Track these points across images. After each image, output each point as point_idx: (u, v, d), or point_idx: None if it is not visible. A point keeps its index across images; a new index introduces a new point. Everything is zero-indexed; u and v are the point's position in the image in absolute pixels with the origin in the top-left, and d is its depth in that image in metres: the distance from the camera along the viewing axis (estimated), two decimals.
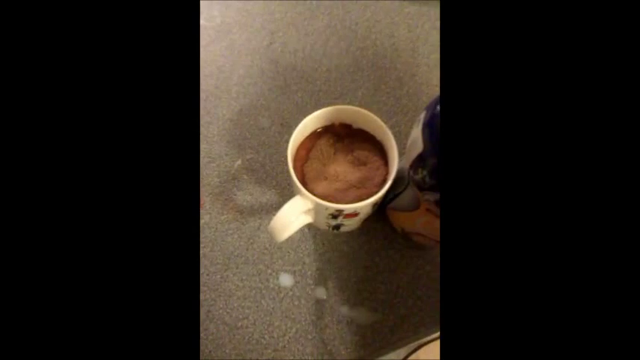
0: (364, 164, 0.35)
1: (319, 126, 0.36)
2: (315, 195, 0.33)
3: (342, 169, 0.34)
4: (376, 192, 0.33)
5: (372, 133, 0.35)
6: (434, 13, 0.50)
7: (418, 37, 0.48)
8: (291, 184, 0.41)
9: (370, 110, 0.34)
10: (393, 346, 0.36)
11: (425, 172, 0.26)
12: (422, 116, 0.26)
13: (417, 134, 0.26)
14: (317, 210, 0.33)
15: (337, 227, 0.37)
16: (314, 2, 0.50)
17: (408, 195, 0.31)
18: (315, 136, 0.36)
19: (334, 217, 0.34)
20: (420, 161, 0.26)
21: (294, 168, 0.33)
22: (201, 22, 0.49)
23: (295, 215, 0.31)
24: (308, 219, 0.35)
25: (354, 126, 0.36)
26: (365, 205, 0.31)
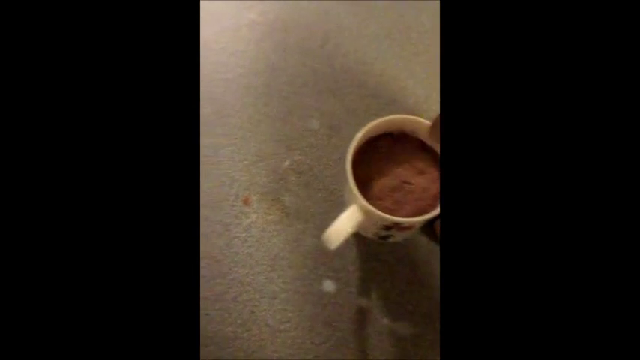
0: (422, 174, 0.34)
1: (377, 134, 0.35)
2: (369, 196, 0.32)
3: (399, 169, 0.34)
4: (433, 205, 0.32)
5: (431, 145, 0.34)
6: None
7: None
8: (339, 188, 0.41)
9: (422, 119, 0.34)
10: None
11: None
12: None
13: None
14: (371, 220, 0.32)
15: (385, 237, 0.37)
16: (369, 3, 0.49)
17: None
18: (371, 143, 0.35)
19: (387, 228, 0.33)
20: None
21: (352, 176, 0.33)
22: (254, 17, 0.48)
23: (352, 225, 0.31)
24: (358, 227, 0.34)
25: (414, 136, 0.35)
26: (424, 220, 0.31)
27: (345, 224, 0.31)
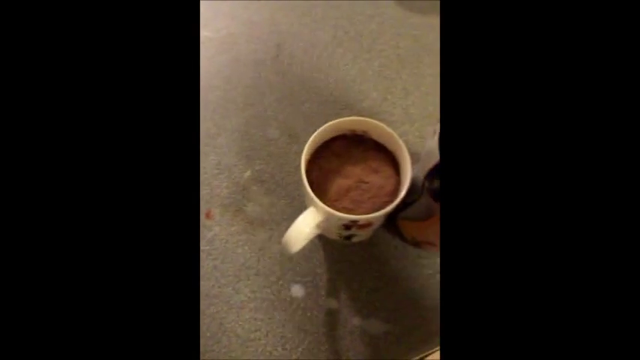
0: (376, 172, 0.35)
1: (331, 136, 0.36)
2: (327, 197, 0.33)
3: (354, 169, 0.35)
4: (390, 201, 0.33)
5: (384, 144, 0.35)
6: (438, 24, 0.50)
7: (423, 47, 0.49)
8: (301, 194, 0.41)
9: (377, 120, 0.35)
10: (405, 356, 0.36)
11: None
12: (438, 127, 0.26)
13: (433, 145, 0.26)
14: (330, 220, 0.33)
15: (349, 237, 0.37)
16: (319, 14, 0.50)
17: (420, 204, 0.32)
18: (326, 146, 0.36)
19: (347, 227, 0.34)
20: (436, 171, 0.26)
21: (307, 178, 0.33)
22: (207, 34, 0.49)
23: (309, 227, 0.31)
24: (320, 229, 0.35)
25: (366, 136, 0.36)
26: (379, 216, 0.31)
27: (302, 226, 0.31)
